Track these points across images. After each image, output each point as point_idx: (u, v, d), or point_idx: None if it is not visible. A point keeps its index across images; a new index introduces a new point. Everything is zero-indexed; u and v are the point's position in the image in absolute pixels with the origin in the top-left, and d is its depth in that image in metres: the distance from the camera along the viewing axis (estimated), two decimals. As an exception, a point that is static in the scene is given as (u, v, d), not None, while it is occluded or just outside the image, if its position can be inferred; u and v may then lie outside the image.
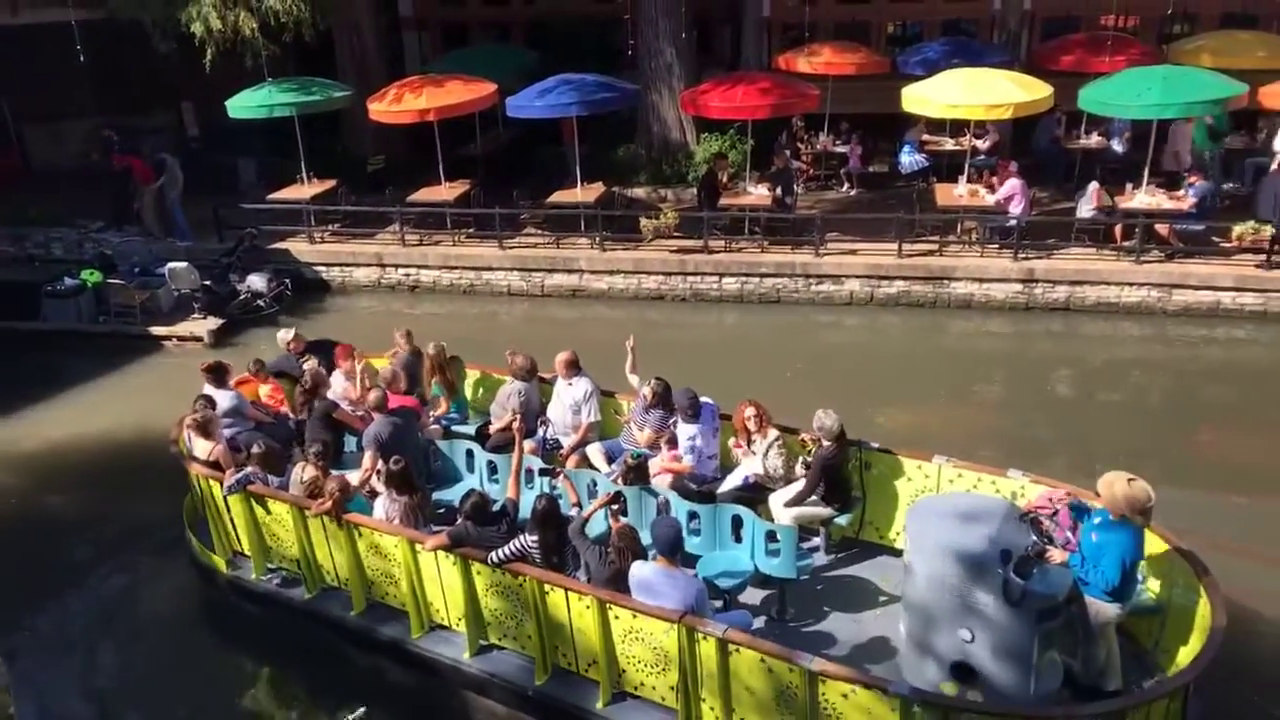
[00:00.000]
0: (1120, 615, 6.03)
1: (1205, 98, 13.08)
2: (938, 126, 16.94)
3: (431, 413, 9.15)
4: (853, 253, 14.25)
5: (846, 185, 17.25)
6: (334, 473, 7.69)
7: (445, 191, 15.88)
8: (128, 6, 15.52)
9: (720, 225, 14.87)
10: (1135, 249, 13.38)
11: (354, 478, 7.78)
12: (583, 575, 6.62)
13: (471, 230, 15.73)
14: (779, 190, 15.19)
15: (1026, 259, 13.63)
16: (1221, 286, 13.07)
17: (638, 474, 7.52)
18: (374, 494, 7.71)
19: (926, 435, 9.64)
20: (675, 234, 14.76)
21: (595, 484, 7.72)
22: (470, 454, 8.59)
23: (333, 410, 8.66)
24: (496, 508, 7.05)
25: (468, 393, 9.79)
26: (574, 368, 8.66)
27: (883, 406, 10.87)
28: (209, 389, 8.82)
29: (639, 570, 6.25)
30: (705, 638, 5.95)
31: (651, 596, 6.15)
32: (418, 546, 7.02)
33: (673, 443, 7.97)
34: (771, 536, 7.03)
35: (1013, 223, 13.79)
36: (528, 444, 8.09)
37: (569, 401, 8.64)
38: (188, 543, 8.68)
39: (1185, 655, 5.99)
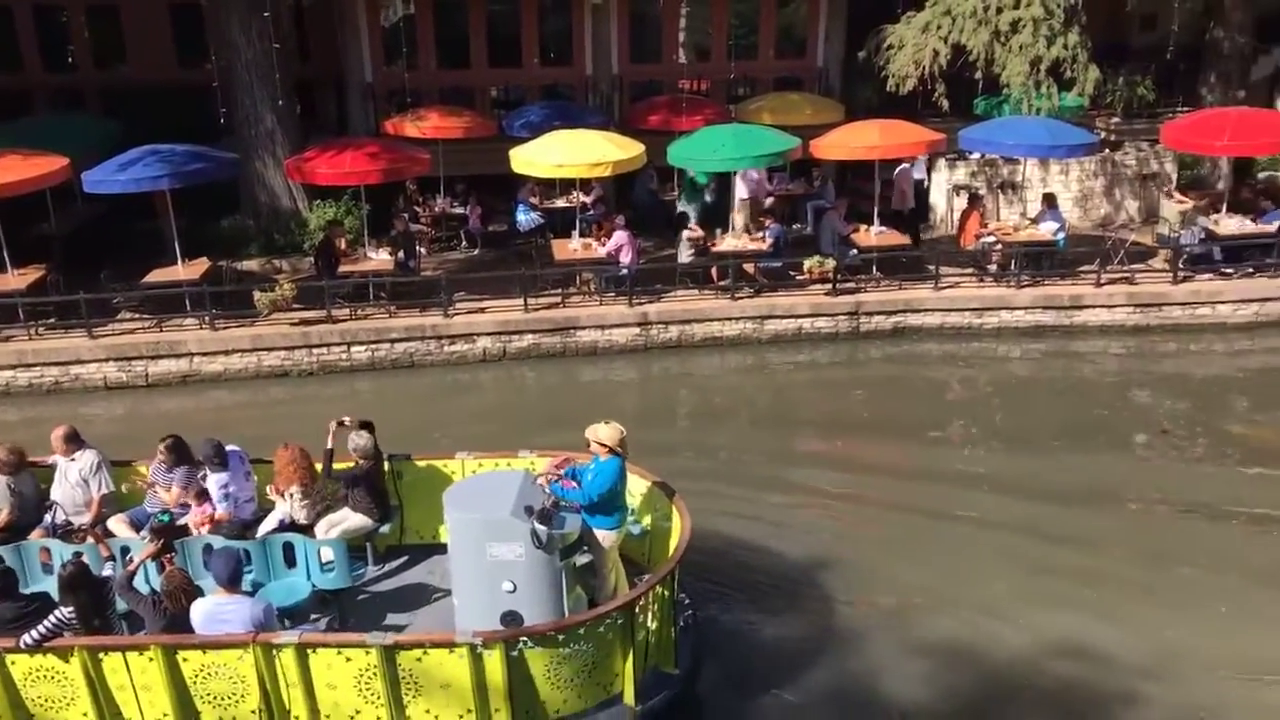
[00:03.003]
0: (619, 538, 7.32)
1: (769, 150, 14.97)
2: (549, 185, 17.79)
3: None
4: (481, 311, 14.48)
5: (468, 245, 17.55)
6: None
7: (14, 279, 13.93)
8: None
9: (343, 293, 14.46)
10: (730, 287, 14.91)
11: None
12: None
13: (52, 320, 13.91)
14: (401, 254, 15.12)
15: (640, 304, 14.67)
16: (801, 314, 14.91)
17: (173, 533, 7.46)
18: None
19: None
20: (295, 306, 14.10)
21: (129, 550, 7.40)
22: None
23: None
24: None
25: None
26: (74, 442, 8.22)
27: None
28: None
29: (200, 606, 6.34)
30: (282, 649, 6.18)
31: (219, 627, 6.24)
32: None
33: (202, 495, 7.93)
34: (320, 554, 7.43)
35: (624, 272, 14.79)
36: (35, 531, 7.75)
37: (75, 479, 8.16)
38: None
39: (667, 560, 7.23)
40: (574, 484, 7.16)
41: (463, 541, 6.75)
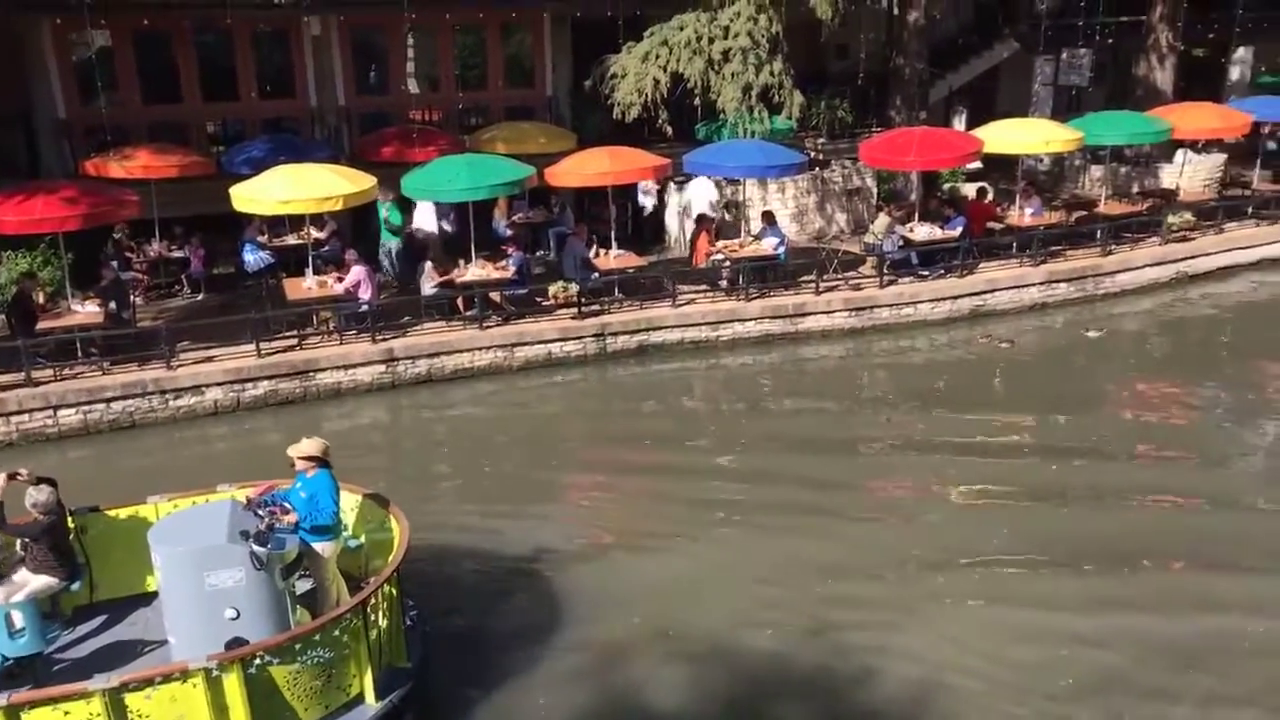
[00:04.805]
0: (337, 548, 7.62)
1: (505, 179, 15.06)
2: (278, 222, 16.98)
3: None
4: (210, 360, 13.57)
5: (191, 290, 16.40)
6: None
7: None
8: None
9: (44, 352, 13.09)
10: (477, 317, 14.86)
11: None
12: None
13: None
14: (112, 305, 13.92)
15: (385, 340, 14.30)
16: (550, 339, 15.09)
17: None
18: None
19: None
20: (-14, 371, 12.63)
21: None
22: None
23: None
24: None
25: None
26: None
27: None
28: None
29: None
30: None
31: None
32: None
33: None
34: (9, 619, 7.02)
35: (365, 308, 14.38)
36: None
37: None
38: None
39: (390, 562, 7.55)
40: (287, 505, 7.29)
41: (176, 577, 6.69)
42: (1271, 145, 22.98)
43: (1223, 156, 21.68)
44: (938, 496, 10.99)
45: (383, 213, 16.51)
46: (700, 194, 18.70)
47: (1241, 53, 26.86)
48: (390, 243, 16.71)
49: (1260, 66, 27.54)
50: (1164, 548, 9.88)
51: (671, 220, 19.51)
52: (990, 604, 9.01)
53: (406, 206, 16.94)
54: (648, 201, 19.50)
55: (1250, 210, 20.26)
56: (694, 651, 8.38)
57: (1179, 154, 21.16)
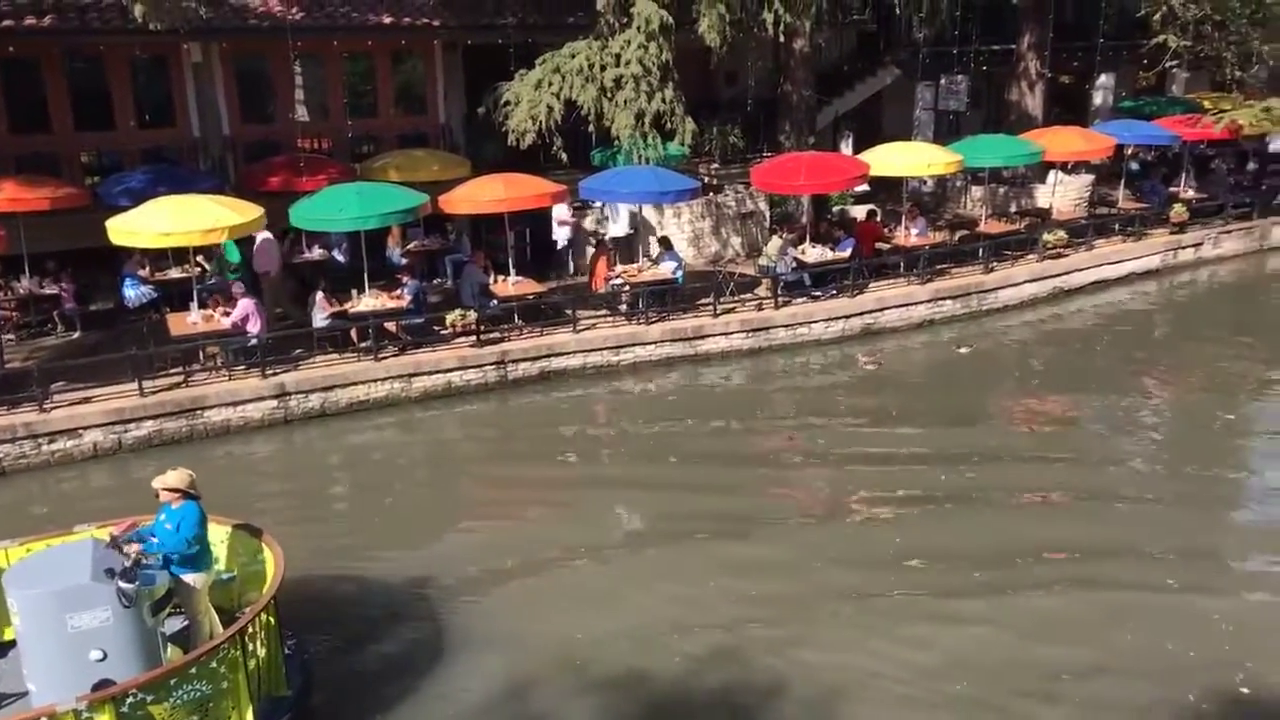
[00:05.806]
0: (206, 581, 7.52)
1: (397, 208, 14.83)
2: (160, 256, 16.34)
3: None
4: (87, 400, 12.95)
5: (65, 328, 15.63)
6: None
7: None
8: None
9: (-98, 399, 12.29)
10: (372, 348, 14.55)
11: None
12: None
13: None
14: (-22, 346, 13.15)
15: (275, 374, 13.87)
16: (449, 369, 14.88)
17: None
18: None
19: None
20: None
21: None
22: None
23: None
24: None
25: None
26: None
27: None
28: None
29: None
30: None
31: None
32: None
33: None
34: None
35: (254, 342, 13.93)
36: None
37: None
38: None
39: (265, 590, 7.51)
40: (152, 539, 7.19)
41: (35, 621, 6.45)
42: (1134, 166, 24.43)
43: (1090, 177, 22.87)
44: (835, 486, 11.37)
45: (219, 249, 15.91)
46: (623, 213, 18.71)
47: (1104, 79, 28.48)
48: (230, 279, 16.07)
49: (1121, 92, 29.25)
50: (1040, 531, 10.62)
51: (579, 249, 19.46)
52: (889, 599, 9.30)
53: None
54: (562, 234, 19.21)
55: (1117, 227, 21.45)
56: (595, 676, 8.30)
57: (1051, 175, 22.25)
